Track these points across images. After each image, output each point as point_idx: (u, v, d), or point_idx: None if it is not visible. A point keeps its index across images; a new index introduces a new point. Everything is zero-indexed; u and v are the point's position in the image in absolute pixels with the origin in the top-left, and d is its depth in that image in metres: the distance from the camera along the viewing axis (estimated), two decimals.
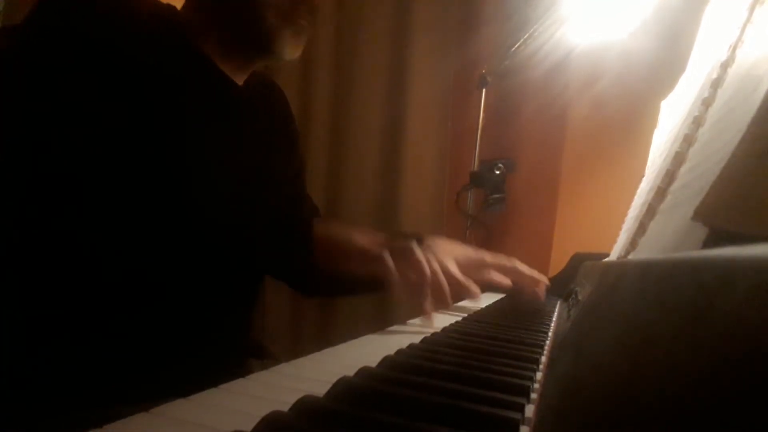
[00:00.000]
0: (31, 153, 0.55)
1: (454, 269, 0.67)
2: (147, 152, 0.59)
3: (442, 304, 0.63)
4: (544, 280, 0.91)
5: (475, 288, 0.67)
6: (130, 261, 0.59)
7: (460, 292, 0.66)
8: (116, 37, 0.59)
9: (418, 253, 0.63)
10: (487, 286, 0.82)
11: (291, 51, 0.71)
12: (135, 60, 0.60)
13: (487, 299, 1.05)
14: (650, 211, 0.64)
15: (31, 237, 0.55)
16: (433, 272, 0.64)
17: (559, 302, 0.98)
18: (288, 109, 0.90)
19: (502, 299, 1.07)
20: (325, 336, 1.69)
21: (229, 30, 0.71)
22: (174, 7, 0.72)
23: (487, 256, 0.82)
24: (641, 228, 0.66)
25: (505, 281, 0.83)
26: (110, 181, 0.57)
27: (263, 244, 0.65)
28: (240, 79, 0.75)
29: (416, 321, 0.65)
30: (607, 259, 0.88)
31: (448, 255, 0.74)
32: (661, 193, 0.62)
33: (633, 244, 0.68)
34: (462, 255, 0.77)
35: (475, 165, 1.56)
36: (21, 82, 0.55)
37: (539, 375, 0.40)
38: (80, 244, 0.56)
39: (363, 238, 0.69)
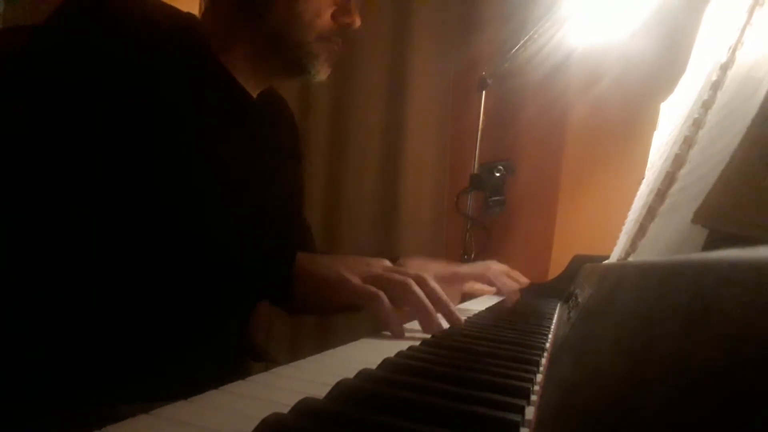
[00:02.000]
0: (40, 155, 0.55)
1: (440, 292, 0.64)
2: (156, 158, 0.59)
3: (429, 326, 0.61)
4: (521, 279, 0.93)
5: (457, 315, 0.64)
6: (133, 263, 0.59)
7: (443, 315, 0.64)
8: (131, 44, 0.59)
9: (414, 288, 0.60)
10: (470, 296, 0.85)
11: (323, 74, 0.73)
12: (151, 68, 0.60)
13: (486, 302, 1.05)
14: (650, 213, 0.64)
15: (35, 238, 0.55)
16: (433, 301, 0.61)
17: (559, 304, 0.98)
18: (296, 129, 0.90)
19: (502, 301, 1.07)
20: (325, 338, 1.69)
21: (265, 47, 0.71)
22: (193, 15, 0.72)
23: (461, 269, 0.85)
24: (641, 230, 0.66)
25: (486, 288, 0.86)
26: (119, 184, 0.57)
27: (266, 256, 0.65)
28: (255, 92, 0.75)
29: (416, 323, 0.65)
30: (607, 261, 0.88)
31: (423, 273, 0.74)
32: (660, 195, 0.62)
33: (633, 246, 0.68)
34: (435, 272, 0.78)
35: (475, 167, 1.56)
36: (35, 86, 0.55)
37: (539, 377, 0.40)
38: (84, 246, 0.56)
39: (349, 273, 0.63)
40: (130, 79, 0.58)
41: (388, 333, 0.59)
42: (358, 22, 0.73)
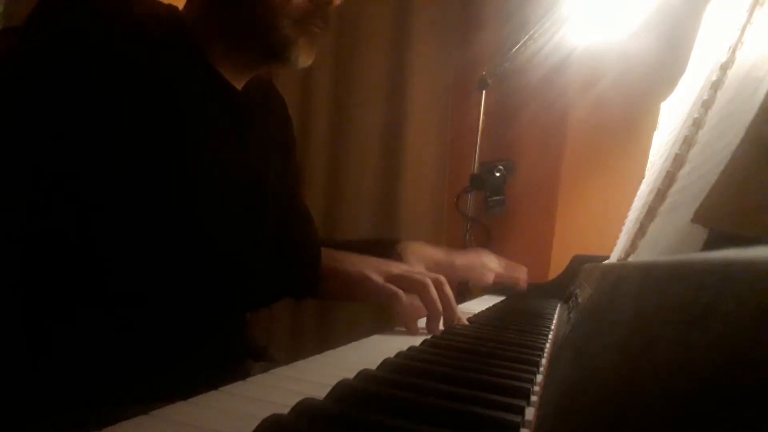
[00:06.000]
0: (30, 155, 0.55)
1: (452, 299, 0.70)
2: (143, 155, 0.59)
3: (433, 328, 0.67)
4: (521, 272, 1.02)
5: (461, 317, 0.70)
6: (131, 263, 0.59)
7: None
8: (115, 39, 0.59)
9: (432, 291, 0.66)
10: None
11: (304, 59, 0.71)
12: (134, 62, 0.59)
13: (486, 302, 1.05)
14: (650, 213, 0.64)
15: (33, 238, 0.55)
16: (444, 305, 0.67)
17: (559, 304, 0.98)
18: (286, 115, 0.89)
19: (502, 301, 1.07)
20: (325, 338, 1.69)
21: (240, 36, 0.70)
22: (175, 8, 0.71)
23: (457, 260, 0.91)
24: (641, 230, 0.66)
25: (484, 279, 0.95)
26: (109, 183, 0.57)
27: (264, 251, 0.66)
28: (240, 83, 0.74)
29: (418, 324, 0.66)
30: (607, 262, 0.88)
31: (419, 261, 0.84)
32: (661, 195, 0.62)
33: (633, 246, 0.68)
34: (432, 260, 0.86)
35: (475, 167, 1.56)
36: (20, 84, 0.55)
37: (539, 377, 0.40)
38: (80, 246, 0.56)
39: (372, 272, 0.70)
40: (113, 73, 0.57)
41: (389, 332, 0.60)
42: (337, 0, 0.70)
